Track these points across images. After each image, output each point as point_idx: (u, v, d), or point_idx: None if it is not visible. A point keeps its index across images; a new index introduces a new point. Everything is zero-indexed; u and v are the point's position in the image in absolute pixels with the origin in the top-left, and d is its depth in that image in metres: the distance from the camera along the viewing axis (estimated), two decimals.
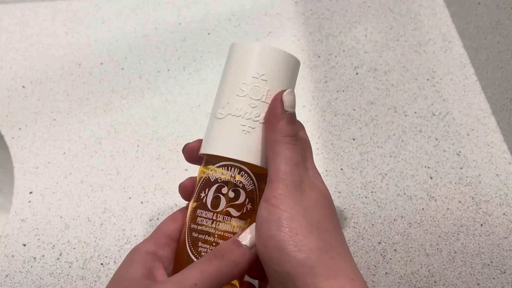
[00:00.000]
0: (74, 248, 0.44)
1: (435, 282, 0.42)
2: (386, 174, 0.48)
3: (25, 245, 0.44)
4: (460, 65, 0.56)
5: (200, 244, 0.30)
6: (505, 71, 0.49)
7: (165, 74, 0.56)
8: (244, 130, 0.31)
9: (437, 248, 0.43)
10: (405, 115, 0.52)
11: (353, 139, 0.50)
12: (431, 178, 0.47)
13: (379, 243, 0.44)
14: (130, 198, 0.47)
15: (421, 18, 0.60)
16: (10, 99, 0.54)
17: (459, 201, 0.46)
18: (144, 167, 0.49)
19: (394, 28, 0.59)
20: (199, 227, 0.31)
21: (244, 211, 0.31)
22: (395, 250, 0.43)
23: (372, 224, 0.45)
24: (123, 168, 0.49)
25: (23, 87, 0.55)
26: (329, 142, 0.50)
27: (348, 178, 0.48)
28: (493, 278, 0.42)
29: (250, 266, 0.29)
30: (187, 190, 0.34)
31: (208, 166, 0.32)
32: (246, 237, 0.29)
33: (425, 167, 0.48)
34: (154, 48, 0.58)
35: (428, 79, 0.55)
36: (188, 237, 0.31)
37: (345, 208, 0.46)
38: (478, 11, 0.53)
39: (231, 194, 0.30)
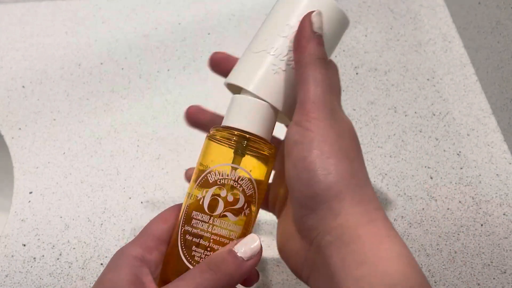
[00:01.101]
0: (74, 248, 0.44)
1: (435, 282, 0.41)
2: (386, 174, 0.48)
3: (25, 245, 0.44)
4: (460, 65, 0.56)
5: (194, 248, 0.29)
6: (505, 71, 0.49)
7: (165, 74, 0.56)
8: (273, 70, 0.29)
9: (437, 248, 0.43)
10: (405, 115, 0.52)
11: None
12: (431, 178, 0.47)
13: None
14: (130, 198, 0.47)
15: (421, 18, 0.60)
16: (10, 99, 0.54)
17: (459, 201, 0.46)
18: (144, 167, 0.49)
19: (394, 28, 0.59)
20: (194, 230, 0.29)
21: (242, 216, 0.30)
22: None
23: None
24: (123, 168, 0.49)
25: (23, 87, 0.55)
26: None
27: None
28: (494, 278, 0.42)
29: (245, 276, 0.28)
30: (194, 116, 0.34)
31: (206, 165, 0.30)
32: (242, 248, 0.28)
33: (425, 167, 0.48)
34: (154, 48, 0.58)
35: (428, 79, 0.55)
36: (181, 239, 0.29)
37: None
38: (479, 11, 0.53)
39: (230, 198, 0.29)
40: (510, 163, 0.48)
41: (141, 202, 0.46)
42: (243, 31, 0.59)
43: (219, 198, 0.29)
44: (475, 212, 0.45)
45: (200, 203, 0.29)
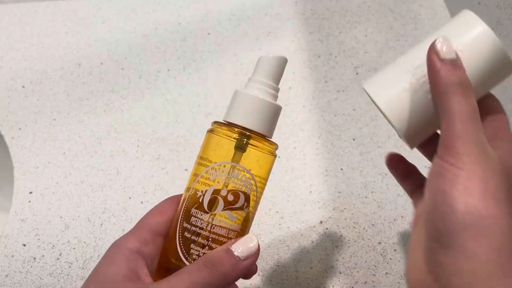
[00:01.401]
0: (74, 248, 0.44)
1: None
2: (386, 174, 0.48)
3: (25, 245, 0.44)
4: None
5: (192, 246, 0.29)
6: None
7: (165, 74, 0.56)
8: (404, 88, 0.28)
9: None
10: None
11: (353, 139, 0.50)
12: None
13: (379, 243, 0.44)
14: (130, 198, 0.47)
15: (421, 18, 0.60)
16: (10, 99, 0.54)
17: None
18: (144, 167, 0.49)
19: (394, 28, 0.59)
20: (193, 228, 0.29)
21: (241, 215, 0.30)
22: (395, 250, 0.43)
23: (372, 224, 0.45)
24: (123, 168, 0.49)
25: (23, 87, 0.55)
26: (329, 142, 0.50)
27: (348, 178, 0.48)
28: None
29: (240, 276, 0.28)
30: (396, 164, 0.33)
31: (207, 159, 0.30)
32: (239, 247, 0.28)
33: (425, 167, 0.48)
34: (154, 48, 0.58)
35: None
36: (179, 236, 0.29)
37: (345, 208, 0.46)
38: (478, 11, 0.53)
39: (230, 197, 0.29)
40: None
41: (141, 202, 0.46)
42: (243, 31, 0.59)
43: (218, 197, 0.29)
44: None
45: (200, 200, 0.29)
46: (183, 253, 0.29)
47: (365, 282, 0.42)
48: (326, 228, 0.45)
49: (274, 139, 0.31)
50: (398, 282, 0.41)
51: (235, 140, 0.29)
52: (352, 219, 0.45)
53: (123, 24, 0.60)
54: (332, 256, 0.43)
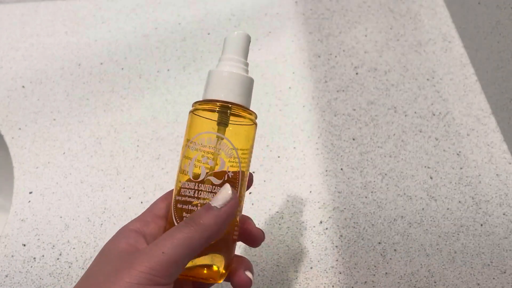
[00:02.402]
0: (74, 248, 0.44)
1: (435, 282, 0.42)
2: (386, 174, 0.48)
3: (25, 245, 0.44)
4: (460, 65, 0.56)
5: (184, 214, 0.30)
6: (505, 71, 0.49)
7: (165, 74, 0.56)
8: None
9: (437, 248, 0.43)
10: (405, 115, 0.52)
11: (353, 139, 0.50)
12: (431, 178, 0.47)
13: (379, 243, 0.44)
14: (130, 198, 0.47)
15: (421, 18, 0.60)
16: (10, 99, 0.54)
17: (459, 201, 0.46)
18: (144, 167, 0.49)
19: (394, 28, 0.59)
20: (183, 198, 0.31)
21: (226, 178, 0.31)
22: (395, 250, 0.43)
23: (372, 224, 0.45)
24: (123, 168, 0.49)
25: (23, 87, 0.55)
26: (329, 142, 0.50)
27: (348, 178, 0.48)
28: (493, 278, 0.42)
29: (225, 226, 0.29)
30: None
31: (188, 139, 0.32)
32: (217, 198, 0.29)
33: (425, 167, 0.48)
34: (154, 48, 0.58)
35: (428, 79, 0.55)
36: (174, 209, 0.31)
37: (345, 208, 0.46)
38: (478, 11, 0.53)
39: (211, 163, 0.31)
40: (510, 163, 0.48)
41: (141, 202, 0.46)
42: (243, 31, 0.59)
43: (201, 164, 0.31)
44: (475, 212, 0.45)
45: (186, 173, 0.31)
46: (177, 222, 0.31)
47: (365, 282, 0.42)
48: (326, 228, 0.45)
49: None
50: (398, 282, 0.41)
51: (217, 115, 0.31)
52: (352, 219, 0.45)
53: (123, 24, 0.60)
54: (332, 256, 0.43)
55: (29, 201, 0.47)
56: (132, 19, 0.61)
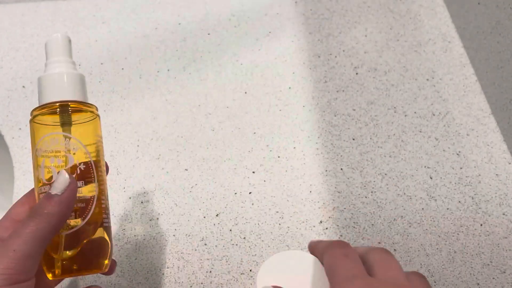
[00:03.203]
0: None
1: (435, 282, 0.42)
2: (386, 174, 0.48)
3: None
4: (460, 65, 0.56)
5: None
6: (505, 71, 0.49)
7: (165, 74, 0.56)
8: None
9: (437, 248, 0.43)
10: (405, 115, 0.52)
11: (353, 139, 0.50)
12: (431, 178, 0.48)
13: (379, 243, 0.44)
14: (130, 198, 0.47)
15: (421, 18, 0.60)
16: (10, 99, 0.54)
17: (459, 201, 0.46)
18: (144, 167, 0.49)
19: (394, 28, 0.59)
20: None
21: (78, 172, 0.31)
22: (395, 250, 0.43)
23: (372, 224, 0.45)
24: (123, 168, 0.49)
25: (23, 87, 0.55)
26: (329, 142, 0.50)
27: (348, 178, 0.48)
28: (493, 278, 0.42)
29: (69, 210, 0.29)
30: None
31: (35, 148, 0.31)
32: (55, 186, 0.29)
33: (425, 167, 0.48)
34: (154, 48, 0.58)
35: (428, 79, 0.55)
36: None
37: (345, 208, 0.46)
38: (478, 11, 0.53)
39: (59, 162, 0.31)
40: (509, 163, 0.48)
41: (141, 202, 0.46)
42: (243, 31, 0.59)
43: (50, 167, 0.31)
44: (474, 212, 0.45)
45: (40, 180, 0.31)
46: None
47: None
48: (326, 228, 0.45)
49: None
50: None
51: (59, 117, 0.31)
52: (352, 219, 0.45)
53: (123, 24, 0.60)
54: None
55: None
56: (132, 19, 0.61)
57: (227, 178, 0.48)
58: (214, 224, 0.45)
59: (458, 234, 0.44)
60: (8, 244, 0.27)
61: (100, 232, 0.32)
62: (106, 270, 0.32)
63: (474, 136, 0.50)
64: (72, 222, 0.31)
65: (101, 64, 0.57)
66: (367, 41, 0.58)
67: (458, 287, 0.41)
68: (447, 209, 0.46)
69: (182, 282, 0.42)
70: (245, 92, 0.54)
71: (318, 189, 0.47)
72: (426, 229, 0.44)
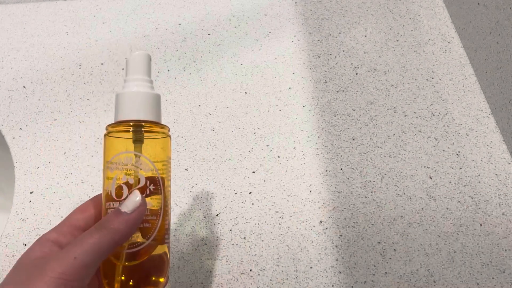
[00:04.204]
0: None
1: (434, 281, 0.42)
2: (385, 174, 0.48)
3: (25, 245, 0.44)
4: (460, 65, 0.56)
5: None
6: (505, 71, 0.49)
7: (165, 74, 0.56)
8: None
9: (437, 248, 0.43)
10: (405, 115, 0.52)
11: (353, 139, 0.50)
12: (430, 178, 0.48)
13: (379, 242, 0.44)
14: None
15: (420, 19, 0.60)
16: (11, 99, 0.54)
17: (459, 201, 0.46)
18: None
19: (394, 29, 0.59)
20: None
21: (148, 192, 0.32)
22: (394, 249, 0.43)
23: (372, 224, 0.45)
24: None
25: (24, 87, 0.55)
26: (328, 142, 0.50)
27: (348, 178, 0.48)
28: (493, 278, 0.42)
29: (134, 230, 0.30)
30: None
31: (107, 160, 0.32)
32: (126, 204, 0.30)
33: (424, 167, 0.48)
34: (155, 49, 0.58)
35: (427, 79, 0.55)
36: None
37: (345, 208, 0.46)
38: (478, 11, 0.53)
39: (131, 181, 0.31)
40: (509, 163, 0.49)
41: None
42: (243, 31, 0.59)
43: (122, 184, 0.31)
44: (474, 212, 0.45)
45: (109, 192, 0.32)
46: None
47: (365, 281, 0.42)
48: (326, 228, 0.45)
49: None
50: (398, 282, 0.42)
51: (132, 134, 0.32)
52: (352, 219, 0.45)
53: (123, 25, 0.60)
54: (332, 256, 0.43)
55: (30, 201, 0.47)
56: (132, 20, 0.61)
57: (227, 178, 0.48)
58: (214, 224, 0.45)
59: (457, 234, 0.44)
60: (69, 250, 0.28)
61: (160, 249, 0.32)
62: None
63: (473, 136, 0.50)
64: (136, 239, 0.31)
65: (102, 64, 0.57)
66: (367, 42, 0.58)
67: (458, 287, 0.41)
68: (447, 209, 0.46)
69: (182, 282, 0.42)
70: (245, 92, 0.54)
71: (318, 189, 0.47)
72: (426, 229, 0.44)
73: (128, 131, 0.32)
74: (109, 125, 0.33)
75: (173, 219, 0.46)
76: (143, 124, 0.32)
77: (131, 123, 0.32)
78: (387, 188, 0.47)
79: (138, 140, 0.32)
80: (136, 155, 0.32)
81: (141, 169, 0.31)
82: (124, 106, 0.32)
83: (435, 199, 0.46)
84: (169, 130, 0.34)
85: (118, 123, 0.32)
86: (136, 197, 0.30)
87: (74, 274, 0.27)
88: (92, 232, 0.29)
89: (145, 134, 0.32)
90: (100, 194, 0.33)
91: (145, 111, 0.32)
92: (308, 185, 0.47)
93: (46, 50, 0.58)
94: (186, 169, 0.49)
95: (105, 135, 0.33)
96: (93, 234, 0.28)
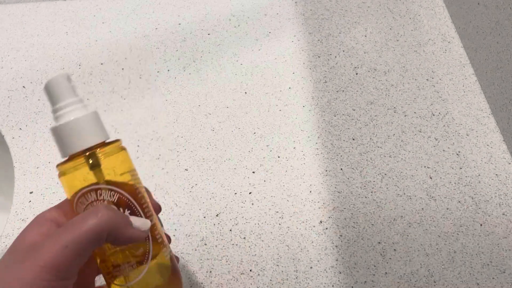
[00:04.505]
0: None
1: (434, 282, 0.42)
2: (385, 174, 0.48)
3: None
4: (460, 65, 0.56)
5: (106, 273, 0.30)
6: (505, 71, 0.49)
7: (165, 74, 0.56)
8: None
9: (437, 248, 0.43)
10: (405, 115, 0.52)
11: (353, 139, 0.50)
12: (430, 178, 0.48)
13: (379, 243, 0.44)
14: None
15: (420, 19, 0.60)
16: (10, 99, 0.54)
17: (459, 201, 0.46)
18: (144, 167, 0.49)
19: (394, 29, 0.59)
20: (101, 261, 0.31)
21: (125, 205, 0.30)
22: (394, 250, 0.43)
23: (372, 224, 0.45)
24: None
25: (24, 87, 0.55)
26: (328, 142, 0.50)
27: (348, 178, 0.48)
28: (493, 278, 0.42)
29: (131, 236, 0.28)
30: None
31: (72, 202, 0.30)
32: (137, 219, 0.29)
33: (424, 167, 0.48)
34: (154, 49, 0.58)
35: (427, 79, 0.55)
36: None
37: (344, 208, 0.46)
38: (478, 11, 0.53)
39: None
40: (509, 163, 0.49)
41: None
42: (243, 31, 0.59)
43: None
44: (474, 212, 0.45)
45: None
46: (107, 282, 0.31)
47: (365, 281, 0.42)
48: (326, 228, 0.45)
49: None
50: (398, 282, 0.42)
51: (86, 165, 0.29)
52: (352, 219, 0.45)
53: (123, 25, 0.60)
54: (332, 256, 0.43)
55: (30, 201, 0.47)
56: (132, 20, 0.61)
57: (227, 178, 0.48)
58: (214, 224, 0.45)
59: (457, 234, 0.44)
60: (61, 237, 0.26)
61: (162, 260, 0.31)
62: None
63: (473, 136, 0.50)
64: (135, 272, 0.30)
65: (101, 64, 0.57)
66: (367, 41, 0.58)
67: (458, 287, 0.41)
68: (447, 209, 0.46)
69: (182, 282, 0.42)
70: (245, 92, 0.54)
71: (318, 189, 0.47)
72: (426, 229, 0.44)
73: (83, 163, 0.29)
74: (58, 165, 0.30)
75: (173, 219, 0.46)
76: (93, 151, 0.30)
77: (82, 156, 0.29)
78: (387, 188, 0.47)
79: (95, 167, 0.30)
80: (97, 189, 0.29)
81: (103, 199, 0.29)
82: (66, 139, 0.29)
83: (435, 199, 0.46)
84: (121, 143, 0.32)
85: (66, 160, 0.30)
86: (147, 223, 0.29)
87: (64, 264, 0.26)
88: (86, 217, 0.27)
89: (100, 158, 0.30)
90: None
91: (91, 135, 0.30)
92: (308, 185, 0.47)
93: (46, 50, 0.58)
94: (186, 169, 0.48)
95: (59, 176, 0.31)
96: (88, 220, 0.27)
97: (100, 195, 0.29)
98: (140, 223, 0.29)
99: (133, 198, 0.31)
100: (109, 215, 0.27)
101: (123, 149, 0.32)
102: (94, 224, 0.27)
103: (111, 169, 0.30)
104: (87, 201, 0.29)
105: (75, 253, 0.26)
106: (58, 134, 0.30)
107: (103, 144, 0.30)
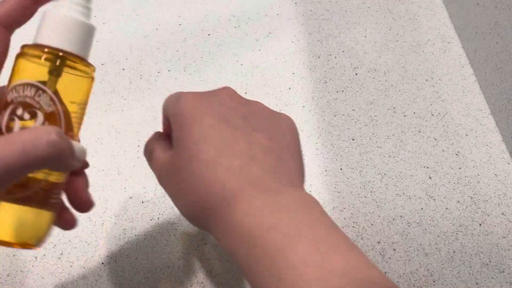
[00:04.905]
0: (75, 248, 0.44)
1: (434, 281, 0.42)
2: (385, 174, 0.48)
3: None
4: (459, 66, 0.56)
5: None
6: (504, 71, 0.49)
7: (165, 74, 0.56)
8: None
9: (436, 248, 0.44)
10: (404, 116, 0.52)
11: (353, 139, 0.50)
12: (430, 178, 0.48)
13: (378, 242, 0.44)
14: (130, 197, 0.47)
15: (420, 19, 0.60)
16: None
17: (458, 201, 0.46)
18: (145, 167, 0.49)
19: (393, 29, 0.59)
20: None
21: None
22: (394, 249, 0.44)
23: (372, 224, 0.45)
24: (123, 168, 0.49)
25: None
26: (328, 142, 0.50)
27: (348, 178, 0.48)
28: (492, 278, 0.42)
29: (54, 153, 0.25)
30: None
31: (10, 83, 0.28)
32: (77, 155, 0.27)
33: (424, 167, 0.48)
34: (155, 49, 0.58)
35: (427, 80, 0.55)
36: None
37: (344, 208, 0.46)
38: (477, 11, 0.53)
39: (26, 116, 0.27)
40: (508, 163, 0.49)
41: (142, 202, 0.47)
42: (243, 31, 0.59)
43: (15, 117, 0.27)
44: (473, 212, 0.46)
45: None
46: None
47: None
48: None
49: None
50: (397, 281, 0.42)
51: (48, 63, 0.27)
52: (351, 219, 0.45)
53: (124, 25, 0.60)
54: None
55: None
56: (133, 20, 0.61)
57: None
58: None
59: (457, 233, 0.44)
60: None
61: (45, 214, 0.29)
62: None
63: (473, 136, 0.51)
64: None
65: (102, 64, 0.57)
66: (367, 42, 0.58)
67: (457, 286, 0.42)
68: (446, 209, 0.46)
69: (182, 282, 0.42)
70: (245, 92, 0.54)
71: (318, 189, 0.47)
72: (425, 229, 0.45)
73: (46, 58, 0.27)
74: (25, 45, 0.28)
75: (173, 219, 0.46)
76: (61, 55, 0.27)
77: (47, 50, 0.27)
78: (386, 188, 0.47)
79: (53, 73, 0.27)
80: (40, 88, 0.27)
81: (38, 103, 0.27)
82: (48, 28, 0.28)
83: (435, 199, 0.46)
84: (94, 71, 0.29)
85: (36, 46, 0.28)
86: (85, 152, 0.27)
87: None
88: (36, 138, 0.24)
89: (65, 68, 0.27)
90: None
91: (72, 41, 0.27)
92: (308, 185, 0.47)
93: None
94: None
95: (18, 55, 0.28)
96: (37, 145, 0.23)
97: (39, 96, 0.27)
98: (79, 152, 0.27)
99: (66, 127, 0.28)
100: (60, 143, 0.24)
101: (92, 78, 0.29)
102: (42, 151, 0.23)
103: (65, 86, 0.28)
104: (23, 94, 0.27)
105: (8, 171, 0.23)
106: (47, 19, 0.28)
107: (78, 59, 0.28)
